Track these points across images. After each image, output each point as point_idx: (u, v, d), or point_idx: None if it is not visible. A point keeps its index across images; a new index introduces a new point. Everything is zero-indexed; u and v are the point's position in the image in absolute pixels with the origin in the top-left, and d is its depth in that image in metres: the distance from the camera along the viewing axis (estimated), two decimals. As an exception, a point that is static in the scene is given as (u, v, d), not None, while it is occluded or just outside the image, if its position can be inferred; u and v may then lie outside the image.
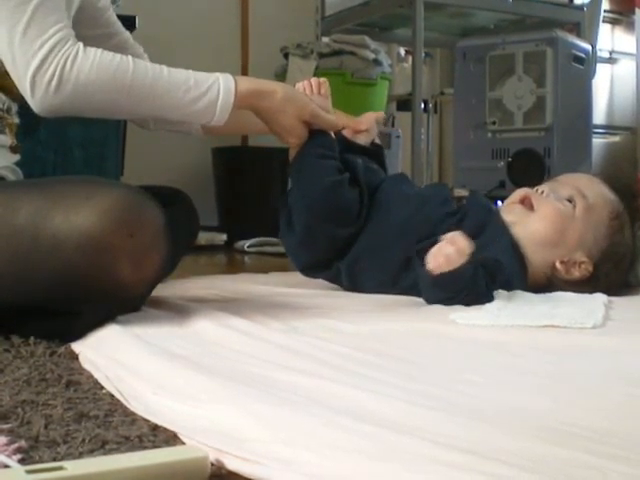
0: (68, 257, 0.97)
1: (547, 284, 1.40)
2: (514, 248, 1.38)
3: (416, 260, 1.28)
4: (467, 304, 1.23)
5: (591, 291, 1.35)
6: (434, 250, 1.22)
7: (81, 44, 1.11)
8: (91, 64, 1.10)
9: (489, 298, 1.24)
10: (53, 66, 1.07)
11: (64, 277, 0.98)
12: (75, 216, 0.97)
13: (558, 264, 1.39)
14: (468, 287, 1.23)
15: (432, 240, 1.27)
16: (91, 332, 0.99)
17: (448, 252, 1.21)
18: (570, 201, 1.42)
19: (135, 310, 1.10)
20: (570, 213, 1.40)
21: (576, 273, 1.39)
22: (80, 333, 1.00)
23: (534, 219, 1.41)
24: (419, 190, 1.56)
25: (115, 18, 1.44)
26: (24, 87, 1.09)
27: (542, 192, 1.44)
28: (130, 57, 1.15)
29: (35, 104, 1.10)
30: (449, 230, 1.40)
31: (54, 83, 1.07)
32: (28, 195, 1.02)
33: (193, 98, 1.16)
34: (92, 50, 1.11)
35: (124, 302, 1.04)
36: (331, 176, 1.39)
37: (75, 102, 1.10)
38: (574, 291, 1.35)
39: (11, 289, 1.00)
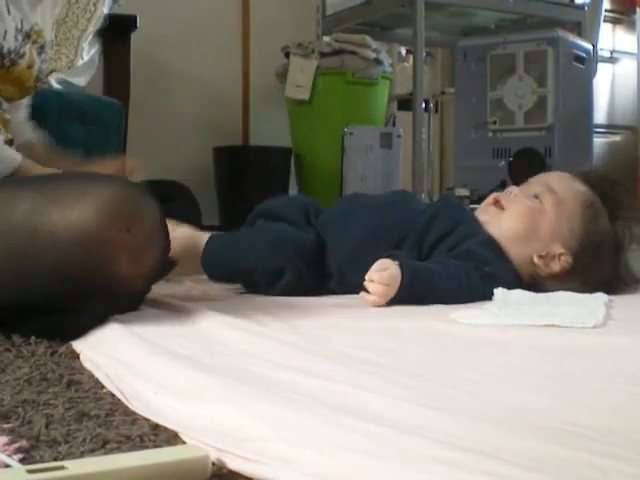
0: (65, 253, 0.96)
1: (531, 282, 1.41)
2: (491, 240, 1.40)
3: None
4: (461, 302, 1.25)
5: (580, 286, 1.36)
6: (362, 295, 1.26)
7: None
8: None
9: (478, 288, 1.27)
10: None
11: (62, 273, 0.97)
12: (71, 212, 0.97)
13: (536, 259, 1.41)
14: (428, 290, 1.26)
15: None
16: (91, 330, 0.99)
17: (376, 291, 1.24)
18: (539, 197, 1.44)
19: (135, 307, 1.10)
20: (539, 208, 1.43)
21: (556, 266, 1.40)
22: (80, 331, 1.00)
23: (505, 217, 1.45)
24: (382, 197, 1.59)
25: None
26: None
27: (512, 193, 1.46)
28: None
29: None
30: (425, 225, 1.40)
31: None
32: (24, 192, 1.02)
33: None
34: None
35: (123, 297, 1.04)
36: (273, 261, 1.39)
37: None
38: (559, 287, 1.37)
39: (9, 286, 1.00)
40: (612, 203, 1.46)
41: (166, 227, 1.03)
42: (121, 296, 1.03)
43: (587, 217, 1.43)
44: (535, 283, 1.41)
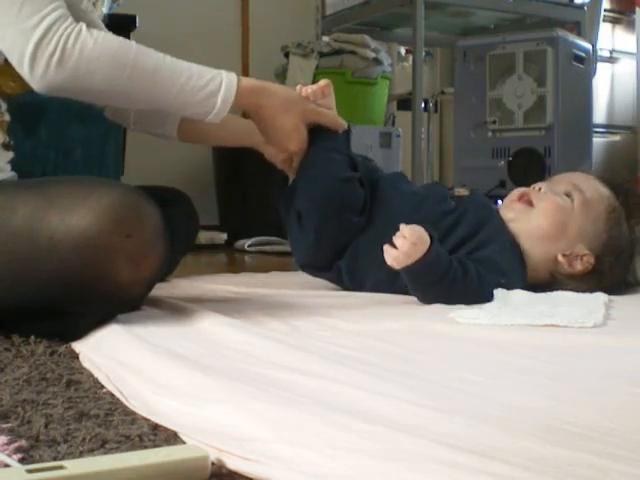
0: (65, 258, 0.96)
1: (550, 280, 1.41)
2: (513, 246, 1.39)
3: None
4: (462, 301, 1.25)
5: (594, 286, 1.37)
6: (386, 247, 1.26)
7: (84, 24, 1.09)
8: (95, 41, 1.08)
9: (484, 294, 1.26)
10: (55, 40, 1.05)
11: (62, 278, 0.97)
12: (71, 217, 0.96)
13: (560, 257, 1.40)
14: (443, 274, 1.26)
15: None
16: (91, 332, 0.99)
17: (403, 247, 1.24)
18: (568, 196, 1.43)
19: (134, 309, 1.10)
20: (569, 207, 1.42)
21: (579, 266, 1.40)
22: (80, 334, 1.00)
23: (535, 215, 1.43)
24: (416, 189, 1.57)
25: (99, 22, 1.43)
26: (23, 64, 1.06)
27: (540, 189, 1.45)
28: (133, 41, 1.13)
29: (35, 80, 1.07)
30: (449, 227, 1.41)
31: (56, 57, 1.05)
32: (24, 196, 1.01)
33: (194, 87, 1.14)
34: (95, 30, 1.10)
35: (123, 302, 1.04)
36: (345, 172, 1.40)
37: (76, 80, 1.08)
38: (578, 286, 1.37)
39: (10, 290, 1.00)
40: (626, 211, 1.46)
41: (166, 233, 1.03)
42: (121, 301, 1.03)
43: (611, 221, 1.43)
44: (554, 281, 1.41)
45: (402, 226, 1.25)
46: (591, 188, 1.46)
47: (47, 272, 0.97)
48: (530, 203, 1.44)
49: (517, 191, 1.48)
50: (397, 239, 1.24)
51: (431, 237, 1.25)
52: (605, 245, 1.42)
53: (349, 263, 1.44)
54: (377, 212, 1.45)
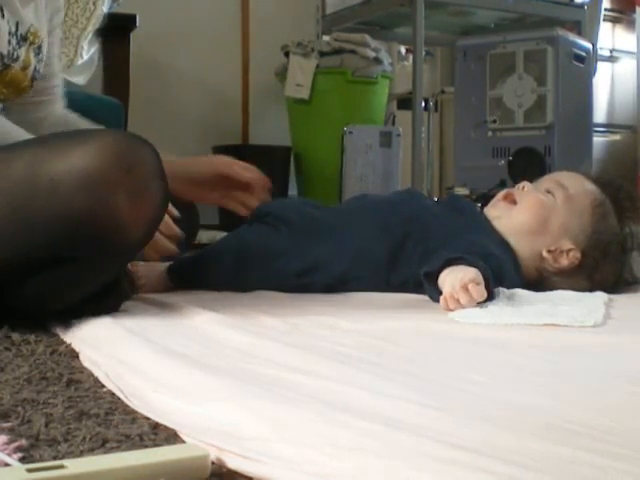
0: (67, 197, 0.98)
1: (538, 277, 1.41)
2: (503, 242, 1.40)
3: (425, 285, 1.24)
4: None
5: (586, 284, 1.37)
6: (447, 296, 1.15)
7: None
8: None
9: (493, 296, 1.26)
10: None
11: (64, 218, 0.99)
12: (71, 157, 0.99)
13: (545, 253, 1.41)
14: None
15: (440, 259, 1.21)
16: (92, 330, 0.99)
17: (463, 301, 1.14)
18: (551, 193, 1.44)
19: (133, 258, 1.14)
20: (551, 202, 1.44)
21: (565, 261, 1.40)
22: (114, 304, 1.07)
23: (517, 211, 1.44)
24: (387, 196, 1.59)
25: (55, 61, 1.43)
26: None
27: (523, 188, 1.47)
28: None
29: None
30: (427, 225, 1.40)
31: None
32: (23, 148, 1.05)
33: None
34: None
35: (124, 244, 1.04)
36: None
37: None
38: (568, 284, 1.37)
39: (12, 240, 1.01)
40: (616, 207, 1.46)
41: (165, 176, 1.04)
42: (123, 242, 1.03)
43: (596, 215, 1.43)
44: (542, 278, 1.41)
45: (461, 283, 1.13)
46: (576, 184, 1.47)
47: (49, 214, 0.99)
48: (514, 202, 1.46)
49: (503, 191, 1.51)
50: (461, 293, 1.13)
51: (486, 280, 1.16)
52: (591, 239, 1.42)
53: (339, 279, 1.41)
54: (354, 222, 1.44)
